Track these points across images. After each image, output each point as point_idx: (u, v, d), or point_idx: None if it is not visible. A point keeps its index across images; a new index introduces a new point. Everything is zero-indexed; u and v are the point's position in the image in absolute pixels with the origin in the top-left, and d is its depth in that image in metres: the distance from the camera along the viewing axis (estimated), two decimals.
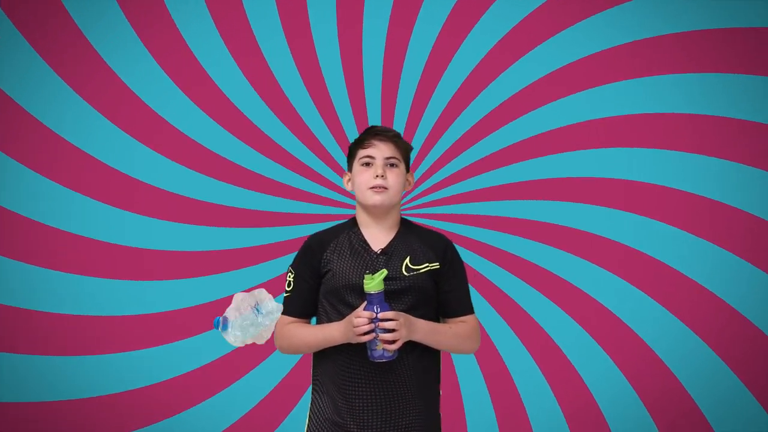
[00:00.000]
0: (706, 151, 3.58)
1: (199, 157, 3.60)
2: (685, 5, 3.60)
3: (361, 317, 2.06)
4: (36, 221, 3.55)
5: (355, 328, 2.06)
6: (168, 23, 3.59)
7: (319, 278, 2.24)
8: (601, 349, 3.56)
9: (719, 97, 3.57)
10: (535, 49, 3.61)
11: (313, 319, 2.29)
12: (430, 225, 3.26)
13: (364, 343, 2.08)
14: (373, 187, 2.21)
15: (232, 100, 3.62)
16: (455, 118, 3.63)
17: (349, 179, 2.30)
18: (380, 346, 2.06)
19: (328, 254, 2.24)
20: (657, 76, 3.59)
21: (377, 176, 2.21)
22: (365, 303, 2.07)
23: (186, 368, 3.55)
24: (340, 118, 3.62)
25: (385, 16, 3.62)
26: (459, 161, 3.62)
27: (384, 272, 2.09)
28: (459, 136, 3.63)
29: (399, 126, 3.58)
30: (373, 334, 2.05)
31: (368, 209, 2.25)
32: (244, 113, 3.62)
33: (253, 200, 3.61)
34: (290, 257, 3.44)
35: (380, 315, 2.05)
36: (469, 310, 2.28)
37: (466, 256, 3.03)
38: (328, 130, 3.61)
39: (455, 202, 3.61)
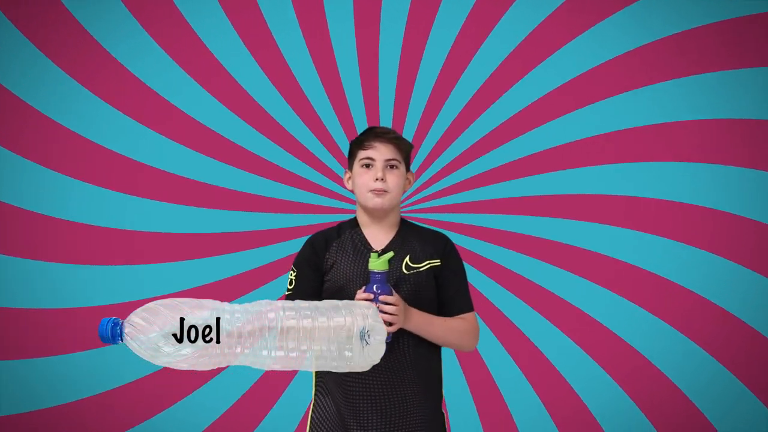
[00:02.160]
0: (696, 158, 3.57)
1: (208, 142, 3.62)
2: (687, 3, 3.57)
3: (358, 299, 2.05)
4: (38, 213, 3.56)
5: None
6: (172, 11, 3.60)
7: (322, 276, 2.25)
8: (591, 359, 3.58)
9: (718, 97, 3.56)
10: (549, 58, 3.60)
11: None
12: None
13: None
14: (373, 190, 2.22)
15: (245, 88, 3.63)
16: (466, 127, 3.64)
17: (350, 178, 2.31)
18: None
19: (332, 252, 2.25)
20: (658, 83, 3.58)
21: (377, 179, 2.21)
22: (364, 286, 2.08)
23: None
24: (353, 117, 3.64)
25: (403, 18, 3.63)
26: (466, 171, 3.63)
27: (391, 254, 2.10)
28: (467, 147, 3.64)
29: (410, 128, 3.60)
30: None
31: (368, 210, 2.26)
32: (256, 99, 3.64)
33: (260, 186, 3.64)
34: (291, 244, 3.55)
35: (381, 297, 2.04)
36: (468, 307, 2.28)
37: None
38: (341, 128, 3.63)
39: (457, 211, 3.63)
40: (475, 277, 3.52)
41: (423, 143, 3.61)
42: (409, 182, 2.32)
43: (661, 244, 3.56)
